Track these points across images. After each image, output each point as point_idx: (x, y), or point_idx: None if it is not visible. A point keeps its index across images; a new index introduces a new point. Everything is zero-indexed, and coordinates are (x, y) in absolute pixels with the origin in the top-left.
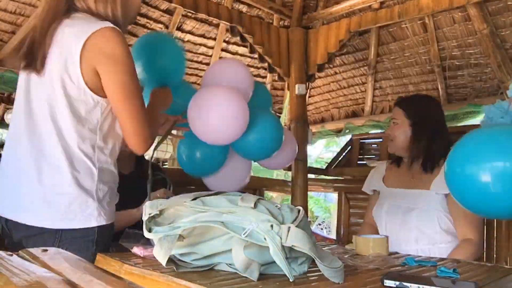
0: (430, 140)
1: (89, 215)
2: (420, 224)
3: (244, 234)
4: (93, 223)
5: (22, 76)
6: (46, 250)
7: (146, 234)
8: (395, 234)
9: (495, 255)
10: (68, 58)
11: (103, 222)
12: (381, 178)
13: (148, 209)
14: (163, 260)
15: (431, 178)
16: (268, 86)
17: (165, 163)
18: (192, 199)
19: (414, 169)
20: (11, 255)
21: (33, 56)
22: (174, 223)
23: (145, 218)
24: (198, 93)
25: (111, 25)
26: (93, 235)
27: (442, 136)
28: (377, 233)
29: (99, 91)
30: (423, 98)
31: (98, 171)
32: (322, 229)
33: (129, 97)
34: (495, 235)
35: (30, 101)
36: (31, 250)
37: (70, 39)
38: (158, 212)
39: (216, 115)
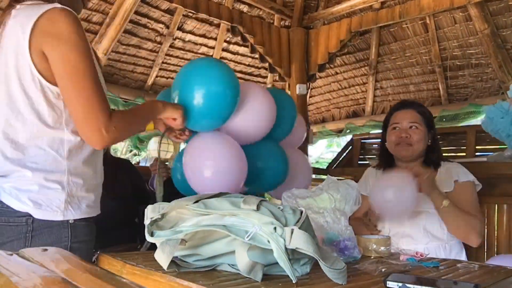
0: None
1: (56, 208)
2: (429, 227)
3: (247, 238)
4: (59, 217)
5: None
6: (46, 250)
7: (148, 238)
8: (401, 237)
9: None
10: (17, 49)
11: (71, 217)
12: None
13: (150, 212)
14: (164, 264)
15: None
16: (269, 86)
17: (166, 163)
18: (194, 202)
19: (413, 172)
20: (11, 255)
21: None
22: (176, 227)
23: (147, 222)
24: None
25: (60, 5)
26: (67, 227)
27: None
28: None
29: (54, 79)
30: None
31: (68, 164)
32: None
33: (78, 78)
34: (495, 236)
35: None
36: (31, 250)
37: (16, 28)
38: (160, 216)
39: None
